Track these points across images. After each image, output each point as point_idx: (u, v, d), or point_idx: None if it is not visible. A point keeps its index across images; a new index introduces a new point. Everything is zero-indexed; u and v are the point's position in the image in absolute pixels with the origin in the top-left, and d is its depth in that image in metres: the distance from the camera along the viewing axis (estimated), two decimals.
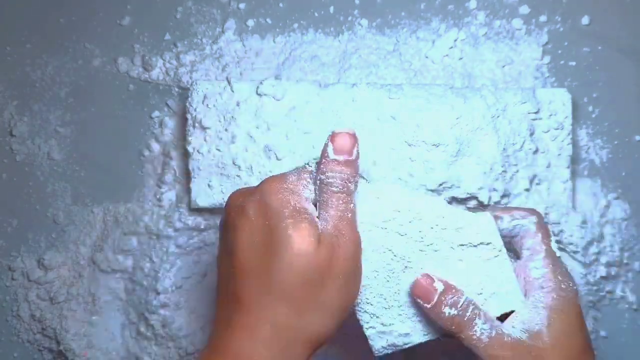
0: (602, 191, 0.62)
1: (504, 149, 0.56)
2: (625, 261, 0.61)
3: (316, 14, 0.63)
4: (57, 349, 0.61)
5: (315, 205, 0.44)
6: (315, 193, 0.45)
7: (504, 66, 0.62)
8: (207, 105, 0.58)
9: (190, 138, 0.59)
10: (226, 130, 0.58)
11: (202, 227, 0.60)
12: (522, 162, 0.57)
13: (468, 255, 0.46)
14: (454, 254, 0.46)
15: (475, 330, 0.45)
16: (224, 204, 0.46)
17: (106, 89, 0.63)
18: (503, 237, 0.48)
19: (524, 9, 0.63)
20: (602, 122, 0.62)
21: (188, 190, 0.60)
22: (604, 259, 0.60)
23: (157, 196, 0.61)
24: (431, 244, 0.46)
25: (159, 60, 0.63)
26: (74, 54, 0.64)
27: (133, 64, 0.63)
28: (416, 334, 0.47)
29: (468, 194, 0.56)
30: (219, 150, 0.58)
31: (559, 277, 0.46)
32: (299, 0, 0.63)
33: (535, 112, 0.58)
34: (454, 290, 0.45)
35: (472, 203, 0.56)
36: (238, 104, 0.58)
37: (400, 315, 0.47)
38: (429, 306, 0.45)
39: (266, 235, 0.42)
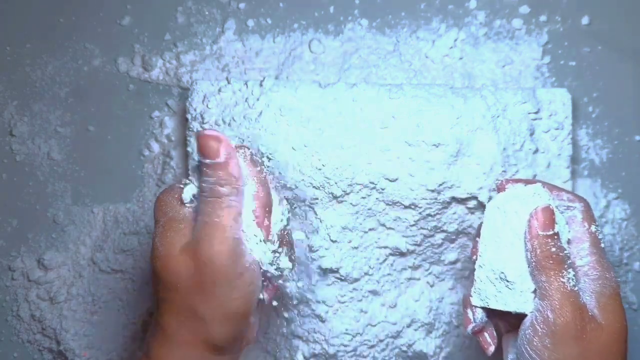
0: (602, 191, 0.62)
1: (504, 149, 0.56)
2: (625, 261, 0.61)
3: (316, 14, 0.63)
4: (57, 349, 0.61)
5: None
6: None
7: (504, 66, 0.62)
8: (207, 105, 0.58)
9: (190, 138, 0.59)
10: (226, 130, 0.58)
11: None
12: (522, 162, 0.57)
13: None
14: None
15: (565, 275, 0.44)
16: None
17: (106, 89, 0.63)
18: None
19: (524, 9, 0.63)
20: (602, 122, 0.62)
21: None
22: None
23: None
24: None
25: (159, 60, 0.63)
26: (74, 54, 0.64)
27: (133, 64, 0.63)
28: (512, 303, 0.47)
29: (468, 194, 0.56)
30: None
31: (604, 266, 0.46)
32: (299, 0, 0.63)
33: (535, 112, 0.58)
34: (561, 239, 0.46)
35: (472, 203, 0.56)
36: (238, 104, 0.58)
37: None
38: (542, 233, 0.45)
39: None
